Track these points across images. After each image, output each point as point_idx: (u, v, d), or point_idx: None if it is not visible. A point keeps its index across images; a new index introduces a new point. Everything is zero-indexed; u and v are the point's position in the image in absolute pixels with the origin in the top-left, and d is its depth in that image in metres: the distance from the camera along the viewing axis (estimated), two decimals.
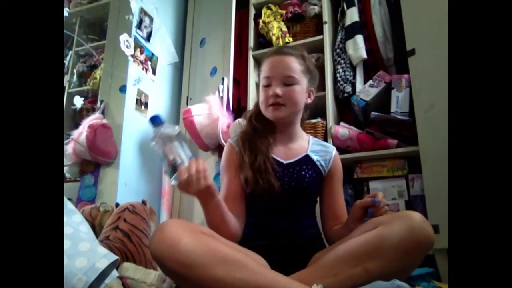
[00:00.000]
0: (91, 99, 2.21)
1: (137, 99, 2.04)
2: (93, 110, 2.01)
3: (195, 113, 1.96)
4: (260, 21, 2.13)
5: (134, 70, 2.03)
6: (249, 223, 1.09)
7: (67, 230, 0.91)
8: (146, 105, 2.10)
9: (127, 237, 1.33)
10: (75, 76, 2.35)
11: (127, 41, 1.96)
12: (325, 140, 1.77)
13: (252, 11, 2.24)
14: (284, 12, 2.14)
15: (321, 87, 1.96)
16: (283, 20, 2.13)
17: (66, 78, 2.32)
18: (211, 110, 1.93)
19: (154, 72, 2.19)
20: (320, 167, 1.14)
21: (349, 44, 1.89)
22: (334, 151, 1.19)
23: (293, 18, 2.11)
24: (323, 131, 1.87)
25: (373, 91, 1.77)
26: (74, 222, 1.02)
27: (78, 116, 2.12)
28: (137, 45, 2.06)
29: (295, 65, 1.08)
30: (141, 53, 2.10)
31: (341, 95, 1.89)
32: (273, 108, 1.08)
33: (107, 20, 2.24)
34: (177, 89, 2.39)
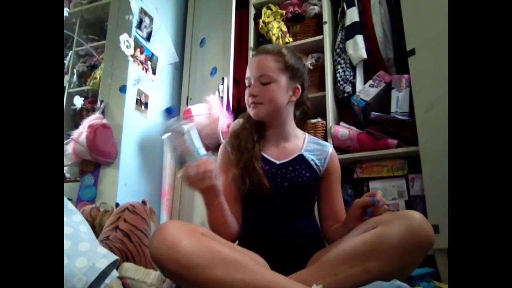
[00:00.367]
0: (91, 99, 2.21)
1: (137, 99, 2.04)
2: (93, 110, 2.01)
3: (195, 113, 1.96)
4: (260, 21, 2.13)
5: (134, 70, 2.03)
6: (247, 223, 1.09)
7: (67, 230, 0.91)
8: (146, 105, 2.10)
9: (127, 237, 1.33)
10: (75, 76, 2.35)
11: (127, 41, 1.96)
12: (325, 140, 1.77)
13: (252, 11, 2.24)
14: (284, 12, 2.14)
15: (321, 87, 1.97)
16: (283, 20, 2.13)
17: (66, 78, 2.32)
18: (211, 110, 1.93)
19: (154, 72, 2.19)
20: (315, 166, 1.12)
21: (349, 44, 1.89)
22: (330, 149, 1.17)
23: (293, 18, 2.10)
24: (323, 131, 1.87)
25: (373, 91, 1.77)
26: (74, 222, 1.02)
27: (78, 116, 2.12)
28: (137, 45, 2.06)
29: (271, 64, 1.09)
30: (141, 53, 2.10)
31: (341, 95, 1.89)
32: (252, 107, 1.10)
33: (107, 20, 2.24)
34: (177, 89, 2.39)
